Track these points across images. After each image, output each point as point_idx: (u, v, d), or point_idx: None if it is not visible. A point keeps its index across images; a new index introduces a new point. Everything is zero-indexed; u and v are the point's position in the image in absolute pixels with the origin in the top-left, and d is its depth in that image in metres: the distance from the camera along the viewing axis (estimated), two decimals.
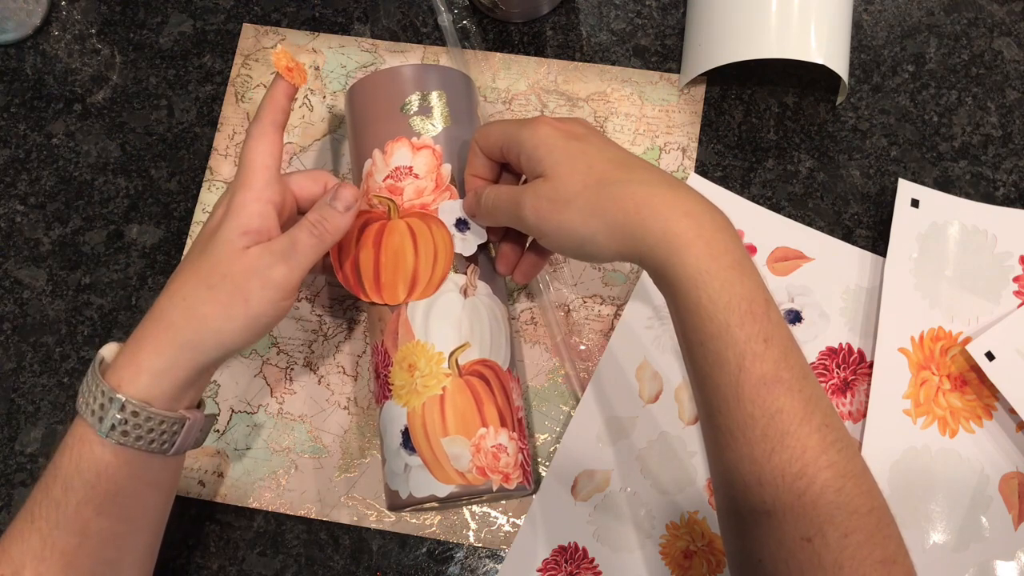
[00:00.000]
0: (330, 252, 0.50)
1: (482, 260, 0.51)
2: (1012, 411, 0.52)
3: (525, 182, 0.47)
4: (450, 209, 0.51)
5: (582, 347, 0.56)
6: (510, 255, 0.51)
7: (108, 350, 0.45)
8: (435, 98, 0.52)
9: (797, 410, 0.38)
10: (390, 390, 0.49)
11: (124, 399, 0.42)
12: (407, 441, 0.48)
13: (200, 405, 0.47)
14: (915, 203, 0.56)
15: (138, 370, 0.42)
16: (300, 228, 0.45)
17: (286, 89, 0.48)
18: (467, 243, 0.50)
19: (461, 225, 0.51)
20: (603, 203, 0.42)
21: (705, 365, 0.39)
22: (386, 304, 0.50)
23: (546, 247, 0.47)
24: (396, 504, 0.49)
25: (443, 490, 0.47)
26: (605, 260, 0.44)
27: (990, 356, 0.52)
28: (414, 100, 0.52)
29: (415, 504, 0.48)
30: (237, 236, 0.44)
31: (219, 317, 0.43)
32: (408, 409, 0.48)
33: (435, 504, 0.50)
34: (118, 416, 0.42)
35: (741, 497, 0.39)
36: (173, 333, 0.43)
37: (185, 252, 0.60)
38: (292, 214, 0.49)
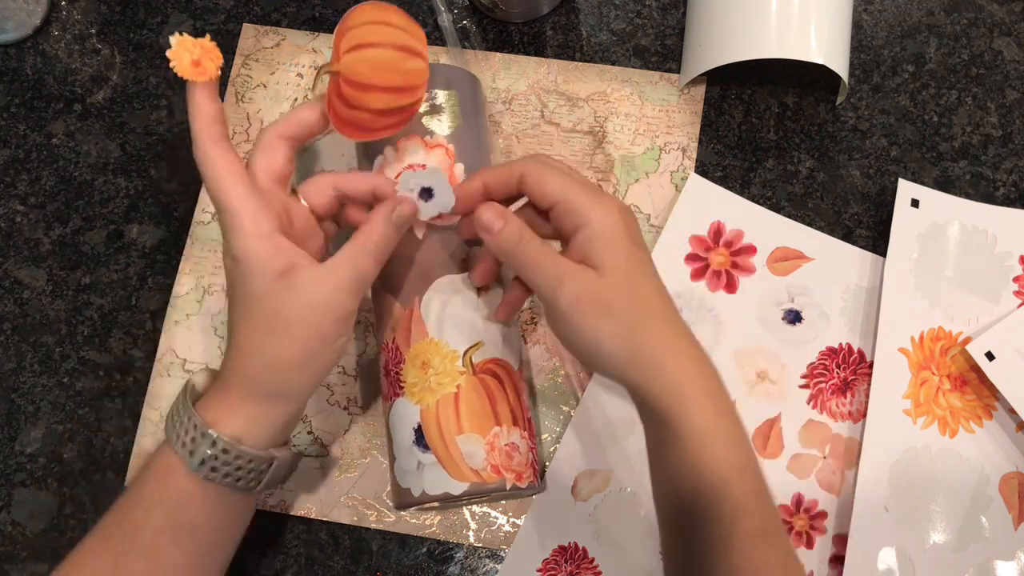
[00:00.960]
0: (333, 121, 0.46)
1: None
2: (1012, 411, 0.52)
3: (560, 244, 0.46)
4: (414, 177, 0.47)
5: None
6: (488, 272, 0.49)
7: (199, 379, 0.45)
8: (445, 97, 0.52)
9: (779, 562, 0.40)
10: (402, 387, 0.49)
11: (216, 436, 0.41)
12: (420, 438, 0.48)
13: (287, 442, 0.47)
14: (915, 203, 0.56)
15: (234, 414, 0.42)
16: (363, 253, 0.43)
17: (205, 92, 0.42)
18: (427, 210, 0.47)
19: (425, 194, 0.47)
20: (639, 334, 0.42)
21: (695, 515, 0.41)
22: (424, 88, 0.45)
23: (555, 333, 0.45)
24: (406, 502, 0.48)
25: (458, 488, 0.47)
26: (603, 374, 0.44)
27: (990, 356, 0.52)
28: (425, 98, 0.52)
29: (428, 501, 0.48)
30: (273, 283, 0.41)
31: (299, 357, 0.42)
32: (422, 407, 0.48)
33: (436, 504, 0.50)
34: (209, 452, 0.41)
35: None
36: (255, 383, 0.42)
37: (184, 253, 0.60)
38: (307, 229, 0.46)
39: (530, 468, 0.49)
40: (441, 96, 0.52)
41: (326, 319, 0.42)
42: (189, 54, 0.41)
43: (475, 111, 0.54)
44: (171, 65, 0.41)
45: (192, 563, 0.44)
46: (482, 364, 0.49)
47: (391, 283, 0.50)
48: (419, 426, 0.48)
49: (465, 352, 0.48)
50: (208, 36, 0.42)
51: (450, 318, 0.49)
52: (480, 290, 0.50)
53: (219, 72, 0.42)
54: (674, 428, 0.41)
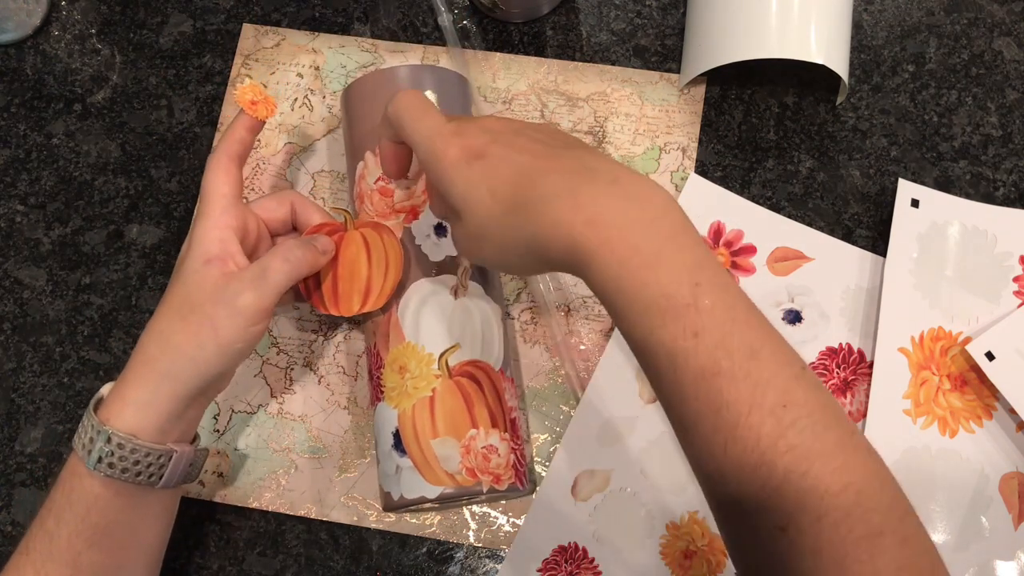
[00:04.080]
0: None
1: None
2: (1012, 411, 0.52)
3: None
4: (430, 216, 0.51)
5: (582, 347, 0.56)
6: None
7: (107, 388, 0.46)
8: (430, 99, 0.52)
9: (744, 397, 0.34)
10: (382, 392, 0.49)
11: (110, 432, 0.42)
12: (398, 443, 0.48)
13: (194, 440, 0.48)
14: (915, 203, 0.56)
15: (124, 404, 0.43)
16: (274, 255, 0.46)
17: (247, 123, 0.50)
18: (439, 249, 0.50)
19: (439, 231, 0.51)
20: (507, 236, 0.38)
21: (645, 367, 0.37)
22: (341, 315, 0.50)
23: (441, 192, 0.42)
24: (389, 505, 0.49)
25: (432, 491, 0.47)
26: (534, 274, 0.44)
27: (990, 356, 0.52)
28: None
29: (406, 506, 0.48)
30: (200, 265, 0.45)
31: (191, 345, 0.44)
32: (399, 411, 0.48)
33: (433, 505, 0.50)
34: (105, 448, 0.42)
35: (710, 492, 0.37)
36: (151, 365, 0.44)
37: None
38: (261, 237, 0.50)
39: (511, 470, 0.49)
40: (429, 97, 0.52)
41: (220, 311, 0.44)
42: (253, 95, 0.49)
43: (462, 113, 0.54)
44: (235, 93, 0.52)
45: (112, 562, 0.44)
46: (459, 367, 0.49)
47: None
48: (397, 430, 0.48)
49: (441, 355, 0.48)
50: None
51: (426, 321, 0.49)
52: (457, 292, 0.50)
53: (265, 120, 0.50)
54: (593, 291, 0.37)
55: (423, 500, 0.47)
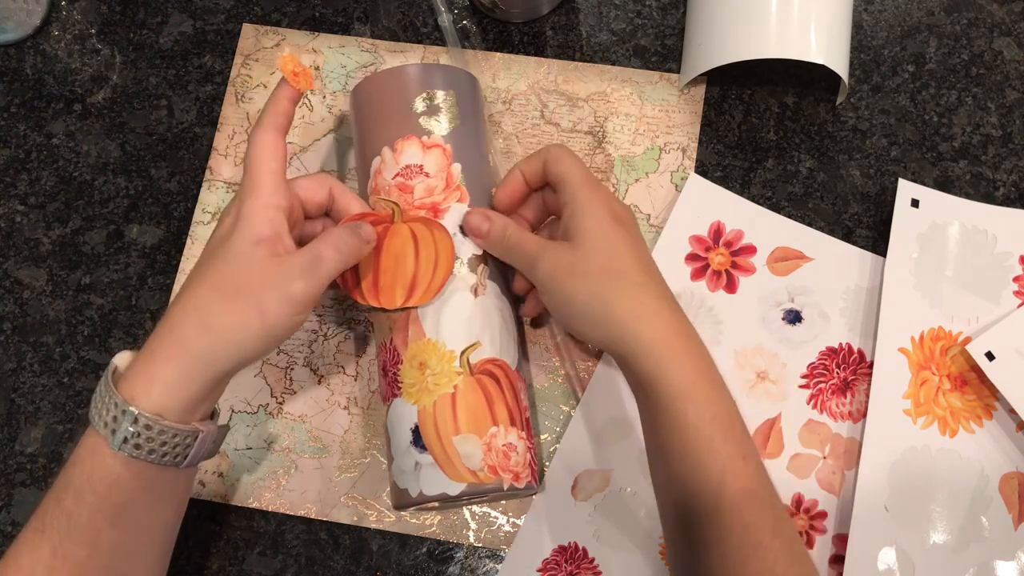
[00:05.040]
0: None
1: (491, 259, 0.51)
2: (1012, 411, 0.52)
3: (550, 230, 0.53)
4: (460, 211, 0.51)
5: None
6: (524, 283, 0.53)
7: (121, 359, 0.44)
8: (443, 98, 0.52)
9: (768, 524, 0.41)
10: (399, 388, 0.49)
11: (137, 412, 0.41)
12: (418, 439, 0.48)
13: (213, 415, 0.46)
14: (915, 203, 0.56)
15: (151, 382, 0.42)
16: (325, 243, 0.45)
17: (289, 93, 0.48)
18: (464, 247, 0.50)
19: (463, 229, 0.51)
20: (610, 294, 0.45)
21: (683, 474, 0.42)
22: (382, 308, 0.49)
23: (547, 306, 0.49)
24: (405, 502, 0.48)
25: (455, 488, 0.47)
26: (587, 341, 0.47)
27: (990, 356, 0.52)
28: (423, 99, 0.52)
29: (425, 502, 0.48)
30: (250, 246, 0.43)
31: (234, 328, 0.42)
32: (419, 407, 0.48)
33: (436, 504, 0.50)
34: (131, 429, 0.41)
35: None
36: (187, 345, 0.42)
37: (184, 253, 0.60)
38: (299, 219, 0.49)
39: (528, 468, 0.49)
40: (439, 96, 0.52)
41: (270, 296, 0.43)
42: (294, 66, 0.48)
43: (474, 112, 0.54)
44: (278, 62, 0.51)
45: (132, 541, 0.43)
46: (479, 364, 0.49)
47: None
48: (416, 427, 0.48)
49: (462, 352, 0.48)
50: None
51: (447, 318, 0.49)
52: (477, 290, 0.50)
53: (309, 88, 0.49)
54: (655, 390, 0.43)
55: (444, 496, 0.47)
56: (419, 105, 0.51)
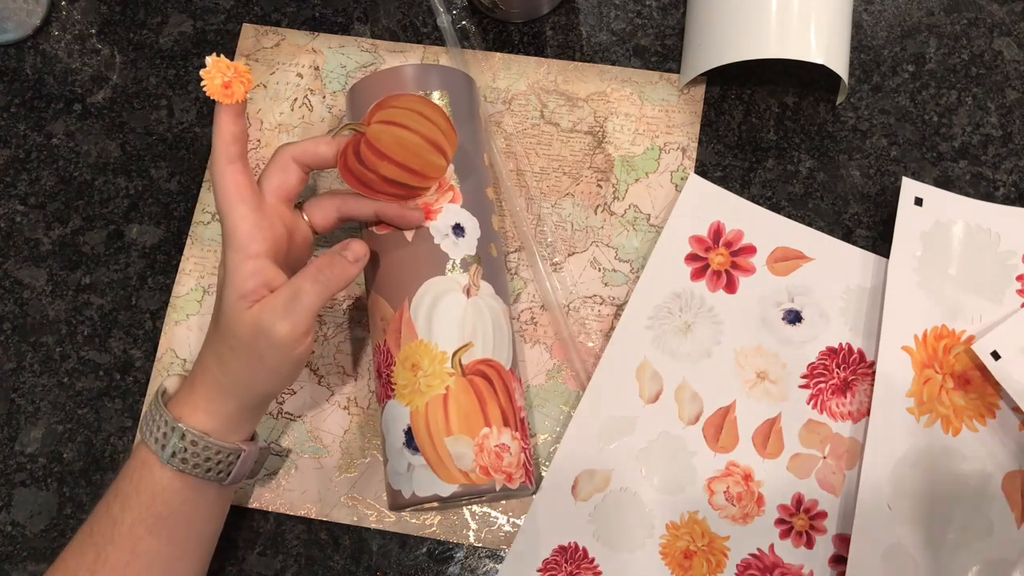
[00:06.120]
0: (360, 189, 0.49)
1: (485, 260, 0.51)
2: (1016, 409, 0.52)
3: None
4: (454, 211, 0.51)
5: (591, 344, 0.56)
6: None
7: (171, 383, 0.48)
8: (438, 99, 0.52)
9: None
10: (393, 389, 0.49)
11: (185, 428, 0.45)
12: (410, 440, 0.48)
13: (254, 438, 0.49)
14: (919, 201, 0.56)
15: (194, 408, 0.46)
16: (304, 276, 0.45)
17: (230, 115, 0.45)
18: (457, 248, 0.50)
19: (457, 231, 0.51)
20: None
21: None
22: (437, 180, 0.50)
23: None
24: (399, 503, 0.48)
25: (446, 489, 0.47)
26: None
27: (996, 355, 0.52)
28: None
29: (418, 503, 0.48)
30: (235, 300, 0.45)
31: (244, 373, 0.45)
32: (411, 408, 0.48)
33: (435, 504, 0.50)
34: (179, 444, 0.45)
35: None
36: (213, 384, 0.46)
37: (184, 253, 0.60)
38: (288, 234, 0.49)
39: (521, 469, 0.49)
40: (435, 97, 0.52)
41: (261, 343, 0.44)
42: (221, 76, 0.43)
43: (469, 113, 0.54)
44: (202, 84, 0.44)
45: (168, 551, 0.46)
46: (472, 365, 0.48)
47: (382, 285, 0.51)
48: (409, 428, 0.48)
49: (454, 353, 0.48)
50: (244, 60, 0.44)
51: (439, 319, 0.49)
52: (469, 291, 0.50)
53: (247, 95, 0.45)
54: None
55: (436, 498, 0.47)
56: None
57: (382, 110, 0.47)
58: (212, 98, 0.44)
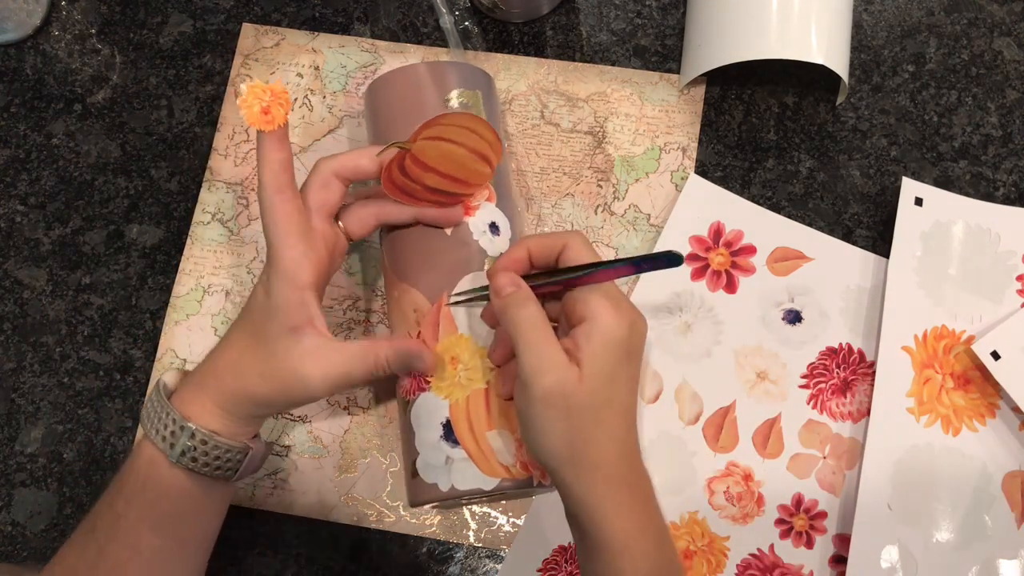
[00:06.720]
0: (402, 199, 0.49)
1: None
2: (1015, 409, 0.52)
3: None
4: (490, 210, 0.51)
5: None
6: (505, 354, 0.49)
7: (169, 377, 0.47)
8: (471, 97, 0.52)
9: None
10: (427, 382, 0.49)
11: (195, 428, 0.44)
12: (449, 433, 0.47)
13: (257, 435, 0.49)
14: (919, 201, 0.56)
15: (203, 407, 0.45)
16: (362, 362, 0.45)
17: (273, 141, 0.44)
18: (493, 245, 0.50)
19: (493, 229, 0.51)
20: (583, 443, 0.42)
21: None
22: (479, 189, 0.50)
23: (516, 402, 0.44)
24: (431, 497, 0.48)
25: (489, 483, 0.47)
26: (539, 461, 0.44)
27: (996, 355, 0.52)
28: (455, 96, 0.52)
29: (458, 496, 0.47)
30: (286, 333, 0.44)
31: (263, 396, 0.45)
32: (451, 401, 0.48)
33: (437, 504, 0.50)
34: (188, 443, 0.44)
35: None
36: (230, 394, 0.45)
37: (184, 253, 0.59)
38: (331, 258, 0.48)
39: None
40: (468, 96, 0.52)
41: (296, 388, 0.45)
42: (259, 102, 0.42)
43: (494, 112, 0.54)
44: (241, 113, 0.42)
45: (170, 548, 0.46)
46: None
47: (416, 276, 0.50)
48: (448, 421, 0.48)
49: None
50: (280, 81, 0.44)
51: (479, 315, 0.49)
52: None
53: (287, 118, 0.43)
54: (592, 538, 0.42)
55: (479, 492, 0.47)
56: (452, 102, 0.51)
57: (429, 128, 0.47)
58: (252, 126, 0.42)
